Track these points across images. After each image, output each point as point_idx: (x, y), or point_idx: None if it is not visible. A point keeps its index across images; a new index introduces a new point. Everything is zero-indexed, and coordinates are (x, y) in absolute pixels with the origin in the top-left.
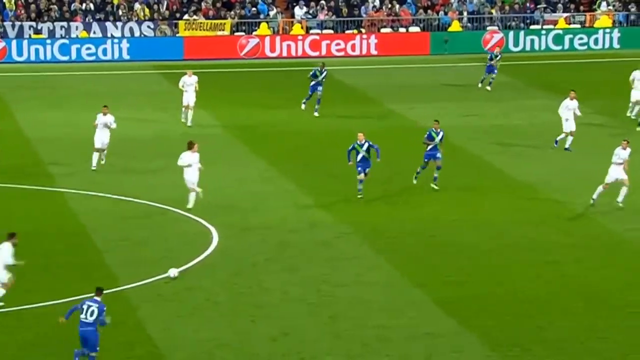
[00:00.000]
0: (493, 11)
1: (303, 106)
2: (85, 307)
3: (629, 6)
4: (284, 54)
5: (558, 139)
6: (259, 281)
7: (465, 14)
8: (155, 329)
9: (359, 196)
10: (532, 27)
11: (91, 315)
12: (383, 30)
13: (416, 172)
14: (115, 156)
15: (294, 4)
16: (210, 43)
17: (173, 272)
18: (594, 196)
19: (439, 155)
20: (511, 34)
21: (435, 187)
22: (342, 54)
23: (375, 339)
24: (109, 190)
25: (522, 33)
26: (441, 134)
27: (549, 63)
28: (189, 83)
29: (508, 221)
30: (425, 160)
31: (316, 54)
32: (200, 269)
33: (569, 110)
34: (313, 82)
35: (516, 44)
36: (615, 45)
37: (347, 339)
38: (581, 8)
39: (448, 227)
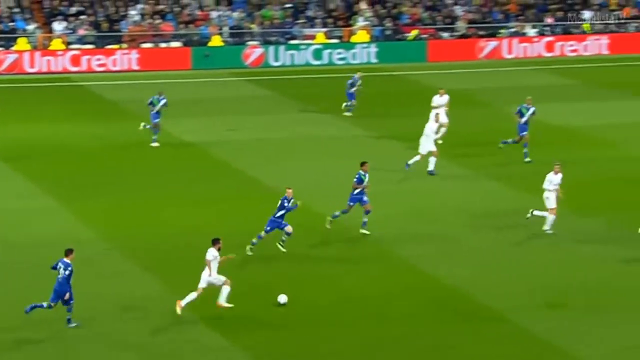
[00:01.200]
0: (253, 26)
1: (142, 125)
2: (59, 266)
3: (385, 21)
4: (44, 69)
5: (410, 162)
6: (21, 300)
7: (225, 28)
8: None
9: (249, 252)
10: (291, 42)
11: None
12: (144, 45)
13: (333, 215)
14: None
15: (53, 19)
16: None
17: (283, 298)
18: (546, 227)
19: (366, 198)
20: (271, 48)
21: (366, 232)
22: (103, 69)
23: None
24: None
25: (282, 48)
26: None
27: (309, 77)
28: None
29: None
30: (350, 204)
31: (77, 69)
32: None
33: (429, 130)
34: (153, 111)
35: (276, 59)
36: (373, 59)
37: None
38: (339, 23)
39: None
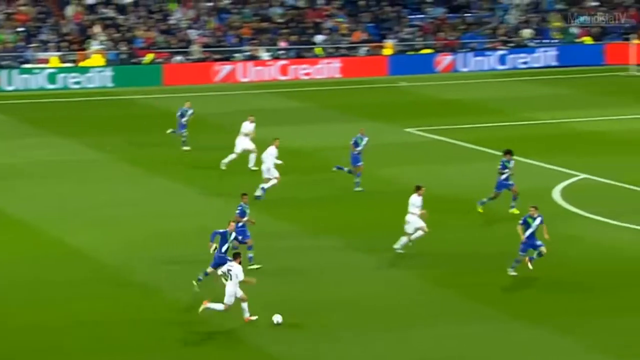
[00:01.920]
0: None
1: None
2: None
3: (119, 45)
4: None
5: (259, 194)
6: None
7: None
8: None
9: (196, 288)
10: (25, 66)
11: None
12: None
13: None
14: None
15: None
16: None
17: (277, 318)
18: (397, 246)
19: (248, 233)
20: (4, 72)
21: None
22: None
23: None
24: None
25: (15, 72)
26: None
27: (44, 102)
28: None
29: (9, 260)
30: (239, 238)
31: None
32: None
33: (269, 156)
34: None
35: (10, 83)
36: (109, 83)
37: None
38: (73, 47)
39: None
